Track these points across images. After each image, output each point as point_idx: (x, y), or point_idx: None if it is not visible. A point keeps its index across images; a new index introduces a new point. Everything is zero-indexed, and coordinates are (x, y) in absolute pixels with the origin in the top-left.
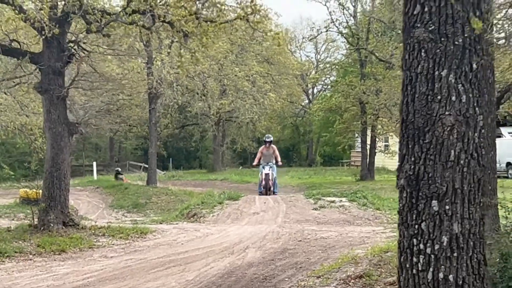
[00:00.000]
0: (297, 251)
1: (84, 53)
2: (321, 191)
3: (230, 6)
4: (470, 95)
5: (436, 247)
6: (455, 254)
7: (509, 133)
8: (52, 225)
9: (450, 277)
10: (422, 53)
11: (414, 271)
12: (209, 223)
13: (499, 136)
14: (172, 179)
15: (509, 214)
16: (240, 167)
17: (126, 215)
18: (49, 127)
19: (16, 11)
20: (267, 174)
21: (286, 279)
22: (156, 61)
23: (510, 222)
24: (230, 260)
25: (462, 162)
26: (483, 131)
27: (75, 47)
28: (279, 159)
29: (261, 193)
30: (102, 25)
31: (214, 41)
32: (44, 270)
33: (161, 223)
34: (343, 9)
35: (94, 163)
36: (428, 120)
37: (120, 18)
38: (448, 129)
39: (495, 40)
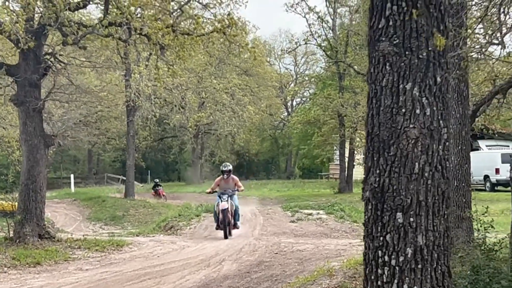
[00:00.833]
0: (273, 263)
1: (60, 65)
2: (299, 204)
3: (208, 19)
4: (434, 108)
5: (401, 259)
6: (419, 266)
7: (487, 146)
8: (27, 237)
9: None
10: (387, 67)
11: (379, 283)
12: (186, 236)
13: (477, 149)
14: (150, 192)
15: (480, 226)
16: None
17: (104, 227)
18: (25, 139)
19: None
20: (224, 210)
21: None
22: (134, 74)
23: (482, 235)
24: (206, 272)
25: (426, 174)
26: (447, 143)
27: (52, 59)
28: (241, 187)
29: (218, 228)
30: (79, 37)
31: (191, 54)
32: (19, 282)
33: (138, 236)
34: (322, 22)
35: (72, 176)
36: (392, 133)
37: (97, 30)
38: (412, 142)
39: (469, 54)
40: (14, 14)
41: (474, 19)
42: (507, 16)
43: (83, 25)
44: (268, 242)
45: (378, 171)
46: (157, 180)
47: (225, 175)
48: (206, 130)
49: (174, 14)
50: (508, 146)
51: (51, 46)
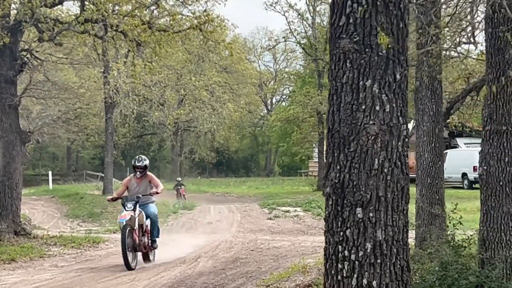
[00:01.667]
0: (248, 260)
1: (37, 61)
2: (277, 201)
3: (186, 16)
4: (394, 105)
5: (360, 253)
6: (378, 261)
7: (465, 144)
8: (3, 234)
9: (374, 283)
10: (347, 64)
11: (339, 277)
12: (163, 233)
13: (455, 147)
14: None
15: (449, 223)
16: (199, 177)
17: (81, 224)
18: (1, 136)
19: None
20: (125, 226)
21: None
22: (112, 71)
23: (451, 232)
24: (181, 269)
25: (385, 170)
26: (406, 140)
27: (28, 55)
28: (160, 188)
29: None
30: (55, 34)
31: (168, 51)
32: None
33: (115, 233)
34: (302, 20)
35: (50, 173)
36: (353, 129)
37: (73, 27)
38: (372, 138)
39: (442, 52)
40: None
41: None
42: (476, 14)
43: (59, 21)
44: (244, 239)
45: (338, 167)
46: (179, 179)
47: (137, 172)
48: (186, 127)
49: (150, 9)
50: None
51: (27, 43)
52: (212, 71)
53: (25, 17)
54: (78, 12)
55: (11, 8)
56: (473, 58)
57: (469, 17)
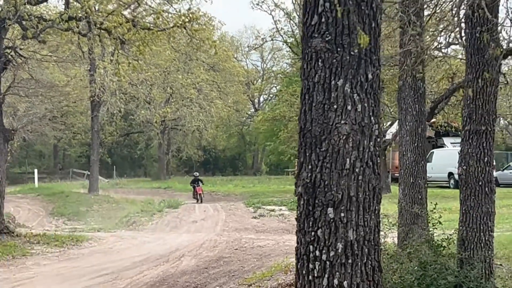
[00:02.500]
0: (232, 259)
1: (21, 59)
2: (262, 200)
3: (172, 14)
4: (366, 105)
5: (332, 253)
6: (349, 261)
7: (451, 143)
8: None
9: (345, 283)
10: (319, 63)
11: (310, 277)
12: (148, 231)
13: (442, 146)
14: (116, 187)
15: (429, 223)
16: (186, 176)
17: (67, 222)
18: None
19: None
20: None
21: (218, 287)
22: (98, 69)
23: (430, 232)
24: (164, 268)
25: (357, 170)
26: (378, 140)
27: (12, 53)
28: None
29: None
30: (38, 31)
31: (153, 49)
32: None
33: (99, 231)
34: (289, 19)
35: (36, 171)
36: (324, 128)
37: (56, 24)
38: (343, 138)
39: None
40: None
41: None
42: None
43: (43, 19)
44: (229, 238)
45: (310, 167)
46: (197, 174)
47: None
48: (173, 125)
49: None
50: None
51: (11, 40)
52: (200, 69)
53: (9, 14)
54: (63, 9)
55: None
56: (456, 58)
57: (451, 18)
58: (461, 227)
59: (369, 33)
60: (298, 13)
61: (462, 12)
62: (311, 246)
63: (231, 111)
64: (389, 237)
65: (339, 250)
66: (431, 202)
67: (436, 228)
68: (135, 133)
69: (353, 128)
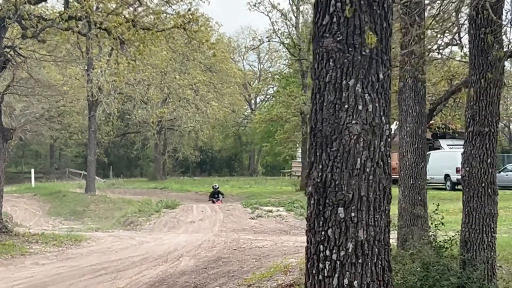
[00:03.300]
0: (231, 259)
1: (20, 58)
2: (259, 201)
3: (171, 14)
4: (377, 105)
5: (342, 253)
6: (360, 261)
7: (448, 145)
8: None
9: (355, 283)
10: (331, 63)
11: (320, 277)
12: (146, 231)
13: (438, 148)
14: (112, 187)
15: (431, 224)
16: (182, 176)
17: (64, 222)
18: None
19: None
20: None
21: (217, 287)
22: (95, 69)
23: (432, 233)
24: (163, 268)
25: (368, 170)
26: (389, 140)
27: (11, 52)
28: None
29: None
30: (38, 30)
31: (152, 49)
32: None
33: (97, 231)
34: (285, 20)
35: (32, 170)
36: (335, 128)
37: (56, 24)
38: (354, 138)
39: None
40: None
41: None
42: (460, 15)
43: (43, 18)
44: (227, 238)
45: (320, 166)
46: (216, 186)
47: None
48: (169, 126)
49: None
50: None
51: (10, 39)
52: (197, 70)
53: (9, 13)
54: (62, 9)
55: None
56: (457, 60)
57: (453, 18)
58: (463, 228)
59: (380, 33)
60: (295, 14)
61: (463, 14)
62: (321, 246)
63: (228, 112)
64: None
65: (350, 250)
66: (433, 204)
67: (439, 229)
68: (132, 133)
69: (364, 128)
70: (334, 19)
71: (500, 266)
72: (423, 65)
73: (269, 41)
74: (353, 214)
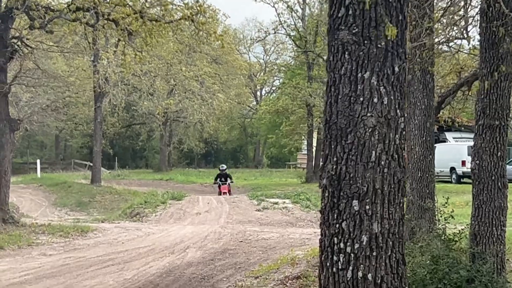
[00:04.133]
0: (237, 251)
1: (27, 49)
2: (265, 193)
3: (178, 6)
4: (392, 97)
5: (356, 246)
6: (374, 253)
7: (454, 138)
8: None
9: (369, 276)
10: (346, 55)
11: (334, 269)
12: (152, 223)
13: (444, 141)
14: (118, 178)
15: (441, 217)
16: (187, 168)
17: (69, 213)
18: None
19: None
20: None
21: (224, 279)
22: (101, 60)
23: (442, 225)
24: (170, 259)
25: (383, 163)
26: (404, 133)
27: (19, 43)
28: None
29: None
30: (46, 21)
31: (159, 40)
32: None
33: (103, 222)
34: (291, 12)
35: (38, 161)
36: (350, 121)
37: (64, 15)
38: (369, 130)
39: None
40: None
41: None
42: (470, 8)
43: (50, 9)
44: (233, 230)
45: (335, 159)
46: (224, 167)
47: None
48: (175, 117)
49: None
50: None
51: (18, 30)
52: (203, 62)
53: (17, 4)
54: (70, 0)
55: None
56: (465, 53)
57: (462, 11)
58: (473, 222)
59: (396, 25)
60: (301, 6)
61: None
62: (335, 238)
63: (233, 103)
64: None
65: (364, 243)
66: (443, 197)
67: (449, 222)
68: (137, 125)
69: (379, 120)
70: (350, 12)
71: (508, 259)
72: (432, 58)
73: (275, 33)
74: (367, 207)
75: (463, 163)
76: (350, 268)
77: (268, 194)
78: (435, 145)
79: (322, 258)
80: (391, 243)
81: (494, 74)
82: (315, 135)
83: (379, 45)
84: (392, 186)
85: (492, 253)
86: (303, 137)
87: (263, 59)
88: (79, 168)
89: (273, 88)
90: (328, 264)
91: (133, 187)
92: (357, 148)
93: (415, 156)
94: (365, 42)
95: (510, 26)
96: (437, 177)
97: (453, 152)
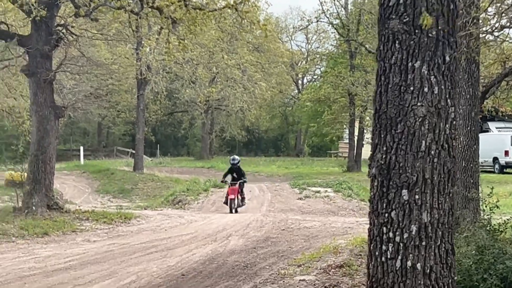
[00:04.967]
0: (279, 239)
1: (72, 37)
2: (307, 181)
3: None
4: (442, 87)
5: (405, 235)
6: (423, 243)
7: (497, 128)
8: (36, 208)
9: (418, 265)
10: (396, 44)
11: (383, 259)
12: (194, 210)
13: (487, 131)
14: (159, 166)
15: (485, 207)
16: (228, 156)
17: (112, 200)
18: (36, 110)
19: None
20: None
21: (267, 267)
22: (144, 47)
23: (487, 215)
24: (213, 247)
25: (432, 152)
26: (454, 122)
27: (64, 30)
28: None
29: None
30: (91, 9)
31: (203, 29)
32: (27, 252)
33: (146, 209)
34: (334, 0)
35: (81, 148)
36: (400, 110)
37: (109, 2)
38: (419, 120)
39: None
40: None
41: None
42: None
43: None
44: (275, 218)
45: (385, 148)
46: (236, 159)
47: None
48: (217, 105)
49: None
50: None
51: (63, 18)
52: (244, 50)
53: None
54: None
55: None
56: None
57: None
58: None
59: (447, 15)
60: None
61: None
62: (384, 228)
63: (275, 92)
64: None
65: (413, 232)
66: (487, 186)
67: (494, 213)
68: (179, 112)
69: (429, 110)
70: (401, 1)
71: None
72: (479, 47)
73: (317, 21)
74: (417, 197)
75: (506, 153)
76: (399, 257)
77: (310, 183)
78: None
79: (371, 247)
80: (440, 233)
81: None
82: (356, 124)
83: (430, 34)
84: (442, 176)
85: None
86: (344, 126)
87: (305, 48)
88: (121, 155)
89: (315, 76)
90: (377, 253)
91: (175, 175)
92: (407, 138)
93: (459, 146)
94: (416, 31)
95: None
96: (480, 167)
97: (496, 142)
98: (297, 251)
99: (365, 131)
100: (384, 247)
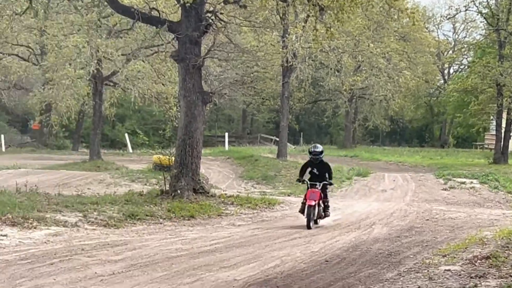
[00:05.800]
0: (424, 229)
1: (221, 23)
2: (452, 172)
3: None
4: None
5: None
6: None
7: None
8: (182, 191)
9: None
10: None
11: None
12: (337, 198)
13: None
14: (303, 154)
15: None
16: (371, 145)
17: (255, 186)
18: (184, 95)
19: None
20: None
21: (411, 256)
22: (290, 35)
23: None
24: (356, 234)
25: None
26: None
27: (213, 17)
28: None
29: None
30: None
31: (350, 16)
32: (174, 234)
33: (289, 196)
34: None
35: (226, 134)
36: None
37: None
38: None
39: None
40: None
41: None
42: None
43: None
44: (419, 208)
45: None
46: (319, 148)
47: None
48: (361, 94)
49: None
50: None
51: (212, 4)
52: (390, 38)
53: None
54: None
55: None
56: None
57: None
58: None
59: None
60: None
61: None
62: None
63: (420, 81)
64: None
65: None
66: None
67: None
68: (323, 101)
69: None
70: None
71: None
72: None
73: (466, 10)
74: None
75: None
76: None
77: (455, 174)
78: None
79: None
80: None
81: None
82: (504, 115)
83: None
84: None
85: None
86: (491, 117)
87: (452, 37)
88: (265, 143)
89: (462, 66)
90: None
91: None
92: None
93: None
94: None
95: None
96: None
97: None
98: (441, 241)
99: None
100: None
